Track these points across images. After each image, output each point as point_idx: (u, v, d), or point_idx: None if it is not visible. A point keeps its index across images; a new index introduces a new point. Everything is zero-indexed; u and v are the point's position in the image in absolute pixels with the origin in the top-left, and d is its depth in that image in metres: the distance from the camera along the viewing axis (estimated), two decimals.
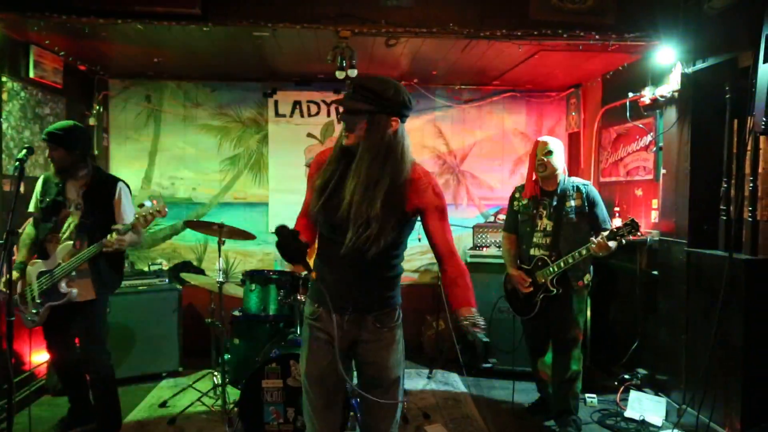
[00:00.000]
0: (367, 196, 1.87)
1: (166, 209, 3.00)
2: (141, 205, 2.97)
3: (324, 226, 2.03)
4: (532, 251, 3.45)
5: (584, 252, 3.21)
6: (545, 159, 3.35)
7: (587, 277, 3.42)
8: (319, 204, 1.97)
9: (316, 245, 2.15)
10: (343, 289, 2.00)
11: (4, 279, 2.84)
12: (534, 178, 3.49)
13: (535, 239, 3.44)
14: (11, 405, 2.40)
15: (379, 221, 1.87)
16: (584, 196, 3.38)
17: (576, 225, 3.37)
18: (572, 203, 3.37)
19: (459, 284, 2.01)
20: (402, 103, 1.94)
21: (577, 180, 3.48)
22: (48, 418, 3.54)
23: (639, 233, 3.11)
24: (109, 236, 2.94)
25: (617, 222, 4.26)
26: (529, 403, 3.80)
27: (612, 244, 3.12)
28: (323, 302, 2.03)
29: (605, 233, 3.16)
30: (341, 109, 1.98)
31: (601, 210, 3.40)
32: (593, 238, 3.19)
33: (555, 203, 3.40)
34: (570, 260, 3.26)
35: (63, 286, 3.02)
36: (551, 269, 3.32)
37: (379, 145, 1.90)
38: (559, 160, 3.39)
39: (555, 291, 3.33)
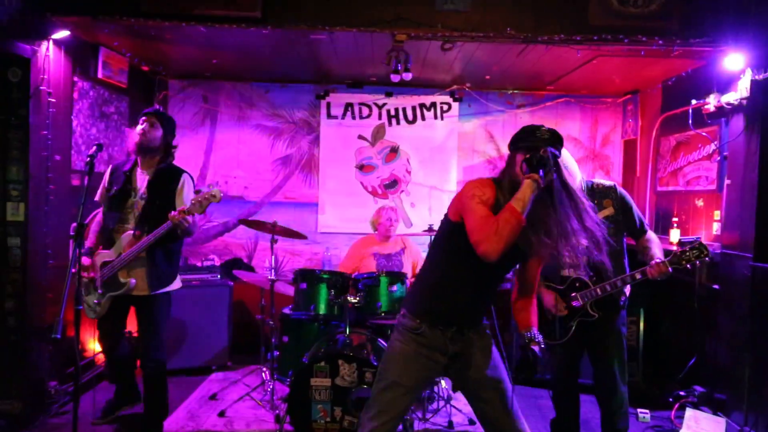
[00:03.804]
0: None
1: (221, 194, 3.04)
2: (197, 191, 3.04)
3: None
4: (564, 272, 2.96)
5: (638, 276, 2.77)
6: None
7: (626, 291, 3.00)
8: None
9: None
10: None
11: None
12: None
13: (568, 259, 2.89)
14: (77, 388, 2.51)
15: None
16: (615, 201, 2.91)
17: (613, 238, 2.87)
18: (605, 213, 2.86)
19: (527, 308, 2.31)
20: None
21: (600, 182, 2.98)
22: None
23: (708, 258, 2.69)
24: (173, 214, 2.96)
25: (675, 234, 4.12)
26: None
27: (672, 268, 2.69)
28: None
29: (667, 257, 2.72)
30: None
31: (636, 211, 2.94)
32: (652, 262, 2.74)
33: None
34: (619, 284, 2.81)
35: (122, 277, 3.10)
36: (593, 293, 2.87)
37: None
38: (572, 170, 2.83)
39: (596, 316, 2.91)
